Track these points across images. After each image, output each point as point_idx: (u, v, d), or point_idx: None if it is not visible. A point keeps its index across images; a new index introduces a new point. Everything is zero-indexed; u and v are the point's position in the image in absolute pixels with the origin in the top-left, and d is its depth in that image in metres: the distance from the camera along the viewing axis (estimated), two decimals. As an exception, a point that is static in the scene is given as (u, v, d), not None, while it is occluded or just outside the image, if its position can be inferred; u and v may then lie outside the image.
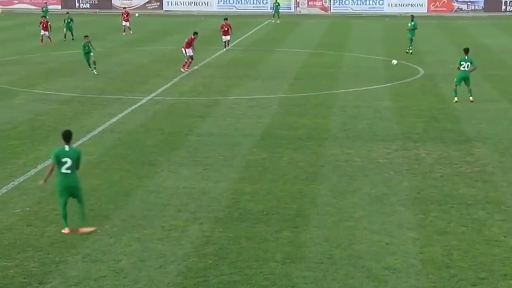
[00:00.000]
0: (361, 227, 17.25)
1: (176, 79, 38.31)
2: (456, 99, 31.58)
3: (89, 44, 40.27)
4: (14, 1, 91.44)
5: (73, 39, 56.93)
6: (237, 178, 21.27)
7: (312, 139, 25.81)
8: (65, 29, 57.88)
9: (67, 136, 16.73)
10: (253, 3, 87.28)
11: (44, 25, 54.36)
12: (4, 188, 20.13)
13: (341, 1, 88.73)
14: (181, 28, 65.87)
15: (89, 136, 26.14)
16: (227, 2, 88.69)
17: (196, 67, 42.64)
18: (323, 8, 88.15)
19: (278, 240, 16.54)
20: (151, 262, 15.29)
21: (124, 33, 62.83)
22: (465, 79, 31.76)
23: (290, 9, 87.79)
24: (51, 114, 29.91)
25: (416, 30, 49.43)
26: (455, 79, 32.20)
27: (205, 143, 25.26)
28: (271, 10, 78.26)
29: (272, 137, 26.11)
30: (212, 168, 22.17)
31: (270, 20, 75.20)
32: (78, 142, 24.93)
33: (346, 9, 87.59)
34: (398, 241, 16.40)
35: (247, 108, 31.22)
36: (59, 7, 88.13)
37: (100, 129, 27.29)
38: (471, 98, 31.54)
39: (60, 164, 16.42)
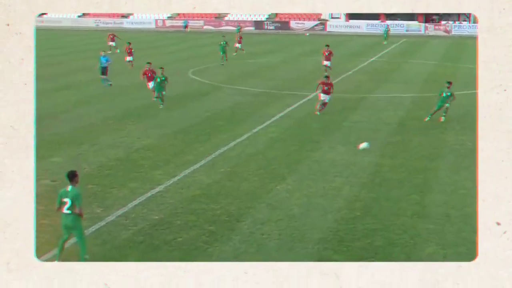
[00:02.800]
0: (471, 195, 16.57)
1: (334, 81, 38.05)
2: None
3: (163, 77, 28.23)
4: (222, 24, 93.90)
5: (222, 64, 46.03)
6: (378, 154, 20.95)
7: (436, 128, 24.98)
8: (220, 52, 46.79)
9: (69, 176, 12.24)
10: (393, 27, 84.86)
11: (129, 51, 42.87)
12: (213, 154, 20.84)
13: (460, 26, 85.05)
14: (337, 44, 65.26)
15: (272, 119, 26.51)
16: (373, 26, 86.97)
17: (350, 73, 42.28)
18: (446, 31, 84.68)
19: (408, 201, 16.21)
20: (314, 212, 15.40)
21: (234, 54, 52.07)
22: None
23: (420, 31, 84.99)
24: (245, 104, 30.54)
25: None
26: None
27: (355, 128, 25.03)
28: (406, 32, 75.74)
29: (405, 126, 25.50)
30: (360, 146, 21.98)
31: (384, 43, 67.51)
32: (265, 124, 25.47)
33: (463, 32, 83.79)
34: (501, 207, 15.66)
35: (386, 104, 30.58)
36: (252, 28, 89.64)
37: (280, 115, 27.60)
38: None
39: (62, 204, 12.18)
